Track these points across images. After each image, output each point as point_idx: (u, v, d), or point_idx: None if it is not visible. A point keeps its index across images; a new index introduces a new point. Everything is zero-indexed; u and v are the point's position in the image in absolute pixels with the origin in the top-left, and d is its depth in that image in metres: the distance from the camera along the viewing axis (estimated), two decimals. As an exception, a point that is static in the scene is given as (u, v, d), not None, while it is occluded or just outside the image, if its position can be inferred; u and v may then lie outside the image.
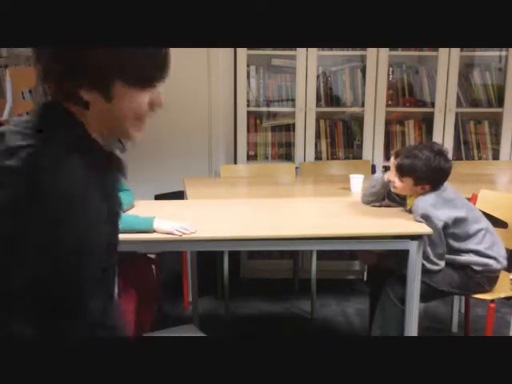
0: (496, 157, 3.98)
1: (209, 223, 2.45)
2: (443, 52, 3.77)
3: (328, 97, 3.96)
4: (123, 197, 1.42)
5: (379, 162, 3.88)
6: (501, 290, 2.65)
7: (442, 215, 2.50)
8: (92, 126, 1.06)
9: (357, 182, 3.11)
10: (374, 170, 3.76)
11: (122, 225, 1.19)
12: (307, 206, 2.85)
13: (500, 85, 3.95)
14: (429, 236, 2.45)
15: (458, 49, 3.79)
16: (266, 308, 3.57)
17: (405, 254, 2.40)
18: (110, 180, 1.12)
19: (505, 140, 3.94)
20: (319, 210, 2.71)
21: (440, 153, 2.55)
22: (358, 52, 3.90)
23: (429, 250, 2.49)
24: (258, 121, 3.96)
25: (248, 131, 3.89)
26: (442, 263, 2.54)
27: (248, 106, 3.86)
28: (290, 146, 3.98)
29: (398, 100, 3.98)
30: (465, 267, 2.58)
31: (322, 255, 3.64)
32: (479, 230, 2.59)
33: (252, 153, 3.98)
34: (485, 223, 2.64)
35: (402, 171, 2.56)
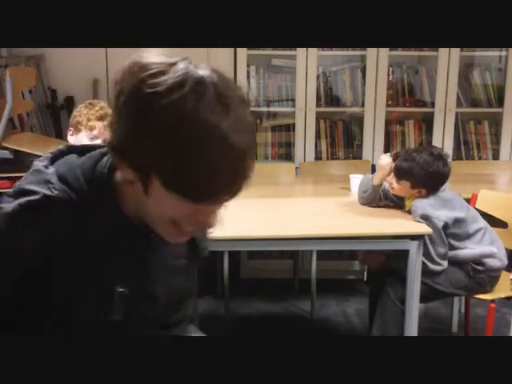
0: (496, 157, 3.97)
1: (209, 223, 2.44)
2: (443, 52, 3.77)
3: (328, 97, 3.96)
4: None
5: (379, 162, 3.87)
6: (501, 290, 2.65)
7: (442, 215, 2.50)
8: (127, 203, 1.00)
9: (357, 182, 3.10)
10: (374, 170, 3.76)
11: None
12: (307, 206, 2.85)
13: (500, 85, 3.94)
14: (430, 236, 2.45)
15: (458, 49, 3.78)
16: (266, 308, 3.57)
17: (405, 254, 2.40)
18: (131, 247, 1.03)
19: (505, 140, 3.93)
20: (319, 210, 2.71)
21: (439, 157, 2.54)
22: (358, 52, 3.89)
23: (431, 250, 2.49)
24: (258, 121, 3.96)
25: (248, 131, 3.89)
26: (445, 263, 2.54)
27: (248, 105, 3.86)
28: (289, 145, 3.98)
29: (397, 100, 3.97)
30: (467, 265, 2.58)
31: (321, 255, 3.63)
32: (478, 230, 2.59)
33: (252, 153, 3.98)
34: (483, 222, 2.64)
35: (399, 174, 2.56)
